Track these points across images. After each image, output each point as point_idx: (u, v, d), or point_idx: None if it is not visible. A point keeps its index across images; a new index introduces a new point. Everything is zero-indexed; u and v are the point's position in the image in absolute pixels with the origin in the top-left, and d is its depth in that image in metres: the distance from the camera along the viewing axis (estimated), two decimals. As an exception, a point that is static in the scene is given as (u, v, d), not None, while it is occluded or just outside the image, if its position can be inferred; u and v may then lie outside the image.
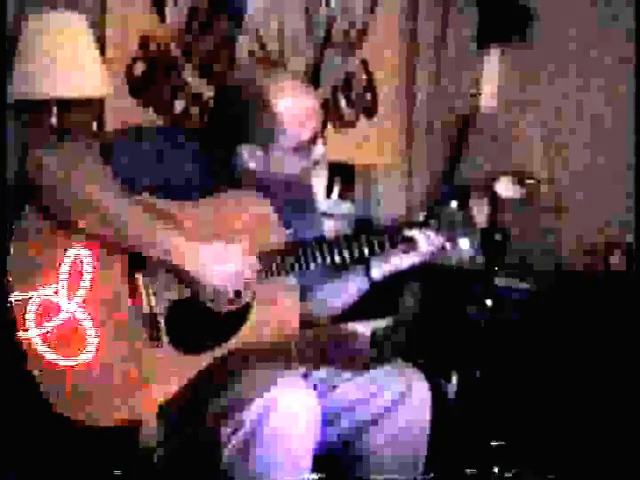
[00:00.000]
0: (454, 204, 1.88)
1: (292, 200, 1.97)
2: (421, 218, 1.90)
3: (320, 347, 2.11)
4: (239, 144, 1.85)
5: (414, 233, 1.88)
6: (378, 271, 1.96)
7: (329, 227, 2.18)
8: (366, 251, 1.87)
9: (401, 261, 1.93)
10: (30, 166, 1.71)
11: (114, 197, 1.72)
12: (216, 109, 1.92)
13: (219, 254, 1.76)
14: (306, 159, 1.88)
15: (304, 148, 1.86)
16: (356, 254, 1.86)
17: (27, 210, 1.72)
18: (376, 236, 1.88)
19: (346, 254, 1.86)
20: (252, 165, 1.86)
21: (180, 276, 1.76)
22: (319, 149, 1.89)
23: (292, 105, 1.83)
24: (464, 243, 1.89)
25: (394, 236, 1.88)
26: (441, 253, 1.91)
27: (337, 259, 1.85)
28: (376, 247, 1.87)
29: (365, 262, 1.95)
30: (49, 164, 1.71)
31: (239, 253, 1.78)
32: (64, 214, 1.71)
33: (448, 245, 1.89)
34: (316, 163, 1.92)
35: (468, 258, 1.91)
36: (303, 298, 1.92)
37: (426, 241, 1.88)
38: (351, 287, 1.99)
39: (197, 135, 1.91)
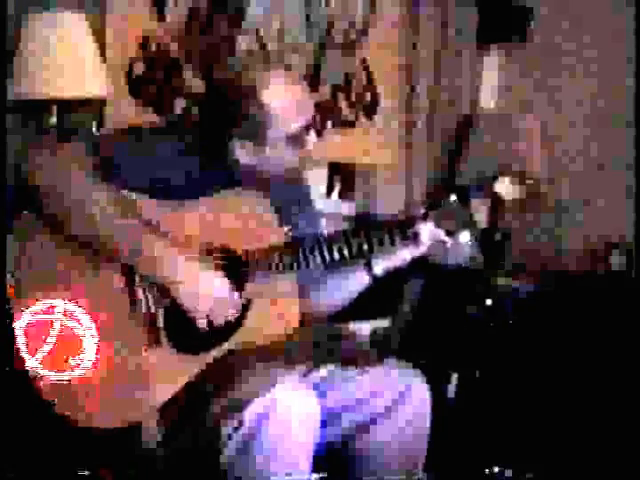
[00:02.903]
0: (454, 198, 1.87)
1: (289, 197, 1.97)
2: (421, 211, 1.88)
3: (320, 347, 2.10)
4: (231, 138, 1.85)
5: (413, 227, 1.86)
6: (379, 267, 1.94)
7: (329, 227, 2.18)
8: (365, 246, 1.85)
9: (402, 256, 1.91)
10: (27, 166, 1.71)
11: (104, 203, 1.71)
12: (206, 105, 1.92)
13: (204, 281, 1.75)
14: (299, 150, 1.87)
15: (296, 138, 1.85)
16: (355, 250, 1.85)
17: (26, 211, 1.73)
18: (375, 231, 1.86)
19: (345, 251, 1.84)
20: (245, 159, 1.86)
21: (165, 289, 1.75)
22: (312, 139, 1.89)
23: (280, 95, 1.82)
24: (464, 236, 1.87)
25: (393, 228, 1.86)
26: (441, 248, 1.89)
27: (336, 256, 1.84)
28: (375, 242, 1.85)
29: (366, 257, 1.94)
30: (45, 165, 1.71)
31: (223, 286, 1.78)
32: (56, 216, 1.71)
33: (448, 238, 1.88)
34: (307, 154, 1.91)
35: (468, 256, 1.90)
36: (303, 295, 1.91)
37: (425, 235, 1.86)
38: (352, 283, 1.97)
39: (192, 133, 1.91)
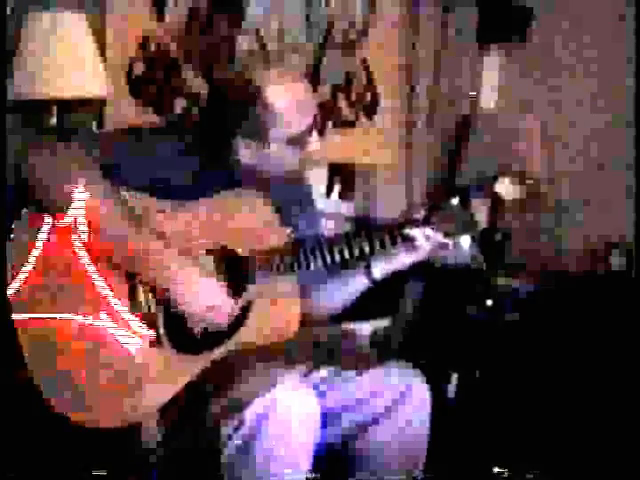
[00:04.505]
0: (455, 201, 1.86)
1: (290, 197, 1.97)
2: (422, 214, 1.88)
3: (320, 347, 2.10)
4: (233, 138, 1.84)
5: (414, 232, 1.85)
6: (379, 270, 1.94)
7: (329, 227, 2.18)
8: (366, 249, 1.85)
9: (402, 260, 1.91)
10: (27, 166, 1.71)
11: (104, 200, 1.71)
12: (210, 104, 1.92)
13: (200, 287, 1.74)
14: (302, 150, 1.87)
15: (299, 139, 1.85)
16: (356, 252, 1.85)
17: (26, 210, 1.73)
18: (376, 233, 1.86)
19: (346, 253, 1.84)
20: (247, 160, 1.85)
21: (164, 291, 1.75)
22: (314, 139, 1.88)
23: (284, 95, 1.82)
24: (465, 240, 1.87)
25: (394, 232, 1.85)
26: (442, 250, 1.89)
27: (337, 258, 1.84)
28: (376, 245, 1.85)
29: (366, 261, 1.94)
30: (45, 164, 1.71)
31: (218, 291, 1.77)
32: (56, 214, 1.71)
33: (449, 242, 1.87)
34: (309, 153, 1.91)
35: (469, 257, 1.90)
36: (304, 295, 1.91)
37: (425, 239, 1.85)
38: (351, 287, 1.98)
39: (192, 132, 1.91)
